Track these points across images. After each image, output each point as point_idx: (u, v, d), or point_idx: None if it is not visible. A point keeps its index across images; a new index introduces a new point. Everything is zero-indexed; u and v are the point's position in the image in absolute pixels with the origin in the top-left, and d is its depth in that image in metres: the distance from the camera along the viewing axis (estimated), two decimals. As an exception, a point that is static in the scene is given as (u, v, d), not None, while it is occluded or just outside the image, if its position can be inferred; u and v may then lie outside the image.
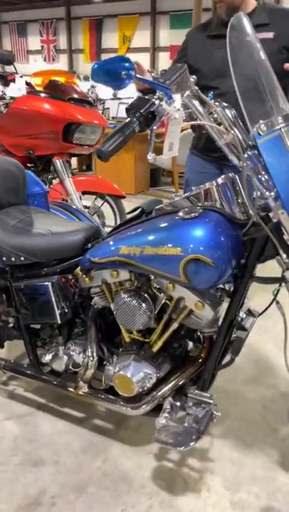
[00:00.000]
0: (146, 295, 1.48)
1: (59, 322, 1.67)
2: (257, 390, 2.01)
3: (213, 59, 1.91)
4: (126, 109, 1.11)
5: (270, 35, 1.85)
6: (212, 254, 1.27)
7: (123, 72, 1.12)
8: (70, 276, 1.69)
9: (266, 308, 1.55)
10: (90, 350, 1.65)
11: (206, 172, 2.08)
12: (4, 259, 1.67)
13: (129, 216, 1.58)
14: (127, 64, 1.13)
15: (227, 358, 1.54)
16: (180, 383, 1.57)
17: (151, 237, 1.36)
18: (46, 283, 1.64)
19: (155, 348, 1.56)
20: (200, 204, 1.37)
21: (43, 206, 2.21)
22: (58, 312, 1.66)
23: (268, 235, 1.34)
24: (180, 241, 1.30)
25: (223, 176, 1.37)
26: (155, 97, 1.11)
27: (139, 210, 1.51)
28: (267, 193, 1.20)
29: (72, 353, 1.72)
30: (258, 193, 1.23)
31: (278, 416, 1.87)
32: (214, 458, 1.66)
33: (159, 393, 1.56)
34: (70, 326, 1.76)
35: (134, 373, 1.55)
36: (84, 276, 1.59)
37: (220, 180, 1.36)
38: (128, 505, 1.48)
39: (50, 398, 1.95)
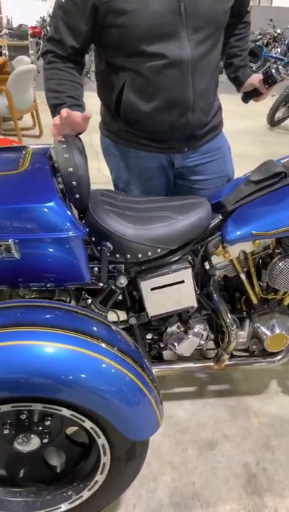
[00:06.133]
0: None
1: (196, 306, 1.60)
2: None
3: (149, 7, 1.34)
4: None
5: None
6: None
7: None
8: (189, 257, 1.60)
9: None
10: (228, 321, 1.64)
11: (154, 167, 1.68)
12: (140, 255, 1.45)
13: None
14: None
15: None
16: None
17: None
18: (186, 270, 1.52)
19: (287, 302, 1.69)
20: None
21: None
22: (195, 296, 1.58)
23: None
24: None
25: None
26: None
27: (281, 174, 1.52)
28: None
29: (200, 331, 1.68)
30: None
31: None
32: None
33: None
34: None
35: (284, 329, 1.66)
36: (224, 252, 1.55)
37: None
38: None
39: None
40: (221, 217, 1.59)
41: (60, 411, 1.11)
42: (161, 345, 1.72)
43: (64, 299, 1.53)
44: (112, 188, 1.80)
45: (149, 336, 1.71)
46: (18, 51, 9.70)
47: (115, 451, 1.18)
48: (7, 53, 8.95)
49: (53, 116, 1.47)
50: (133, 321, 1.60)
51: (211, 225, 1.58)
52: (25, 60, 5.70)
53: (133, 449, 1.19)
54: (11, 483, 1.30)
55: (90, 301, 1.69)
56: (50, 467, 1.32)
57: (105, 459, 1.19)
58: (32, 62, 5.76)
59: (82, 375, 1.07)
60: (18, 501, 1.27)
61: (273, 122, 6.17)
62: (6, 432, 1.22)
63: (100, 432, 1.14)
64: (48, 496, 1.28)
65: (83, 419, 1.12)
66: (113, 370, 1.11)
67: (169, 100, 1.50)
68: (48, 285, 1.40)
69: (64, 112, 1.28)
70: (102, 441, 1.16)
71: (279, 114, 6.15)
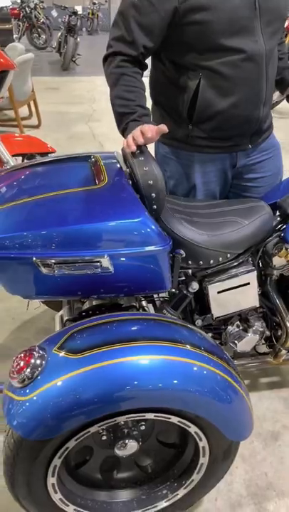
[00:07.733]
0: None
1: (257, 305, 1.66)
2: None
3: (228, 1, 1.39)
4: None
5: None
6: None
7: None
8: (249, 259, 1.66)
9: None
10: (287, 318, 1.72)
11: (216, 169, 1.71)
12: (212, 261, 1.50)
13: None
14: None
15: None
16: None
17: None
18: (251, 272, 1.58)
19: None
20: None
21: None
22: (258, 297, 1.64)
23: None
24: None
25: None
26: None
27: None
28: None
29: (259, 329, 1.74)
30: None
31: None
32: None
33: None
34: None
35: None
36: (286, 253, 1.61)
37: None
38: None
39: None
40: (279, 218, 1.64)
41: (169, 419, 1.16)
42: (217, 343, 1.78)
43: (134, 304, 1.57)
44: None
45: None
46: (1, 35, 9.47)
47: (214, 451, 1.25)
48: (-10, 38, 8.71)
49: (119, 124, 1.48)
50: (199, 322, 1.66)
51: (271, 227, 1.64)
52: (20, 48, 5.55)
53: (229, 449, 1.26)
54: (105, 486, 1.35)
55: (144, 302, 1.74)
56: (141, 468, 1.38)
57: (204, 460, 1.26)
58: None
59: (183, 382, 1.13)
60: (116, 502, 1.33)
61: (268, 107, 6.20)
62: (104, 438, 1.27)
63: (202, 435, 1.20)
64: (143, 495, 1.35)
65: (189, 424, 1.18)
66: (205, 372, 1.16)
67: (247, 94, 1.53)
68: (122, 294, 1.44)
69: (148, 131, 1.29)
70: (203, 443, 1.22)
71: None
